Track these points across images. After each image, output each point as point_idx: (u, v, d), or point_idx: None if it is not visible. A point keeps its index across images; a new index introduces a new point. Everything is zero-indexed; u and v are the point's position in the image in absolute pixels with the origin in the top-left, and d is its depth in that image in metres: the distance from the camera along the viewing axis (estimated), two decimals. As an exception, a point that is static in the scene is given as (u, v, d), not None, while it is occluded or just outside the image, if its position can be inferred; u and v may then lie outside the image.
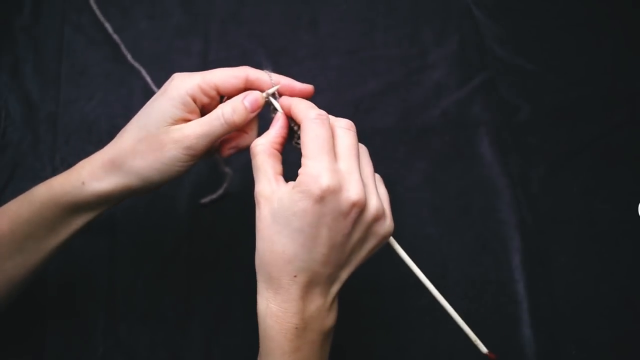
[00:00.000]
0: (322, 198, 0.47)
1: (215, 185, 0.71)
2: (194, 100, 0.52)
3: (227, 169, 0.69)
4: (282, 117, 0.53)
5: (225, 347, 0.66)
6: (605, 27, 0.81)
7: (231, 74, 0.54)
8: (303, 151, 0.49)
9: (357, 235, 0.50)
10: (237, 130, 0.54)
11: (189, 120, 0.52)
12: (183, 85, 0.52)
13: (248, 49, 0.79)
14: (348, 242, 0.49)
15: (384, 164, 0.73)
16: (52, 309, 0.66)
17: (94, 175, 0.53)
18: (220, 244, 0.69)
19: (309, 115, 0.50)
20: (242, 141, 0.56)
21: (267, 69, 0.56)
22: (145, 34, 0.79)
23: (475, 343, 0.56)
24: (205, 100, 0.53)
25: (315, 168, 0.47)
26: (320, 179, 0.47)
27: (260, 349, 0.50)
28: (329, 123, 0.50)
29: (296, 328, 0.48)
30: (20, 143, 0.73)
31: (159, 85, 0.74)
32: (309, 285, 0.48)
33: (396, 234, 0.71)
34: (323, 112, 0.51)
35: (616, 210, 0.71)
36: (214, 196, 0.70)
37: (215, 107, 0.54)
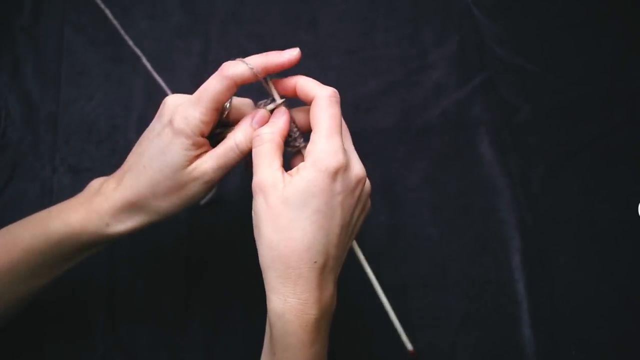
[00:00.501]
0: (336, 175, 0.47)
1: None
2: (202, 135, 0.52)
3: None
4: (288, 114, 0.53)
5: (225, 347, 0.66)
6: (605, 27, 0.81)
7: (221, 89, 0.51)
8: (316, 128, 0.49)
9: (357, 211, 0.51)
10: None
11: (202, 153, 0.52)
12: (188, 126, 0.51)
13: (248, 49, 0.79)
14: (352, 220, 0.50)
15: (384, 164, 0.73)
16: (52, 309, 0.66)
17: (116, 217, 0.53)
18: (220, 244, 0.69)
19: (323, 92, 0.50)
20: None
21: (238, 57, 0.53)
22: (146, 34, 0.79)
23: (403, 340, 0.58)
24: (210, 126, 0.52)
25: (332, 146, 0.48)
26: (336, 157, 0.48)
27: (274, 347, 0.48)
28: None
29: (315, 318, 0.47)
30: (20, 143, 0.73)
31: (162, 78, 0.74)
32: (324, 271, 0.48)
33: (396, 233, 0.71)
34: (335, 90, 0.51)
35: (616, 210, 0.71)
36: (211, 195, 0.69)
37: (217, 120, 0.53)
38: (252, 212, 0.49)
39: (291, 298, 0.47)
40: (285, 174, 0.49)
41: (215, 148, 0.52)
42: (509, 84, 0.78)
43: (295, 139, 0.53)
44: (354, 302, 0.63)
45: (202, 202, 0.70)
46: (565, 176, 0.73)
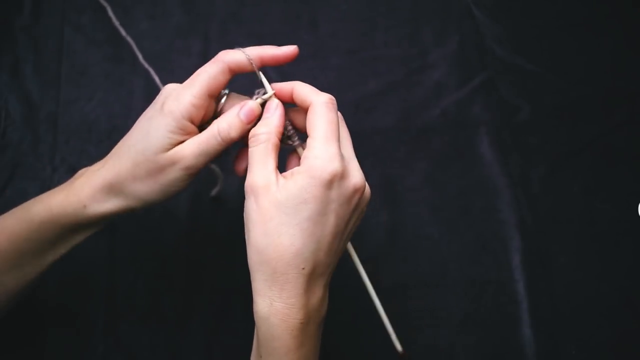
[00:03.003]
0: (331, 183, 0.47)
1: (214, 185, 0.71)
2: (192, 121, 0.51)
3: (214, 167, 0.67)
4: (281, 107, 0.51)
5: (225, 347, 0.66)
6: (605, 27, 0.81)
7: (214, 74, 0.51)
8: (313, 134, 0.48)
9: (353, 220, 0.50)
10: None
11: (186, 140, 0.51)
12: (177, 108, 0.50)
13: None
14: (346, 227, 0.49)
15: (384, 164, 0.73)
16: (52, 308, 0.66)
17: (94, 198, 0.52)
18: (220, 244, 0.69)
19: (320, 98, 0.49)
20: None
21: (238, 47, 0.53)
22: (146, 34, 0.79)
23: (393, 340, 0.58)
24: (202, 113, 0.52)
25: (328, 152, 0.47)
26: (332, 164, 0.47)
27: (260, 350, 0.48)
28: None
29: (301, 323, 0.47)
30: (20, 143, 0.73)
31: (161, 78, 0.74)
32: (312, 277, 0.47)
33: (396, 233, 0.71)
34: (332, 97, 0.50)
35: (616, 210, 0.71)
36: (218, 188, 0.68)
37: (212, 111, 0.53)
38: (244, 212, 0.49)
39: (277, 302, 0.47)
40: (280, 176, 0.48)
41: (198, 135, 0.51)
42: (509, 84, 0.78)
43: (290, 137, 0.52)
44: (349, 303, 0.63)
45: (212, 194, 0.68)
46: (565, 176, 0.73)
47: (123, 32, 0.76)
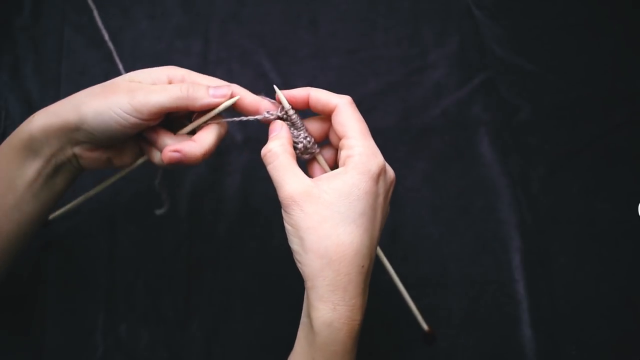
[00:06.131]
0: (379, 177, 0.48)
1: (215, 185, 0.71)
2: (169, 83, 0.52)
3: (160, 184, 0.64)
4: (286, 125, 0.52)
5: (225, 347, 0.66)
6: (605, 27, 0.81)
7: (217, 84, 0.53)
8: (348, 133, 0.49)
9: (387, 212, 0.51)
10: (185, 135, 0.53)
11: None
12: (168, 69, 0.53)
13: (248, 49, 0.79)
14: (384, 220, 0.50)
15: (384, 164, 0.73)
16: (52, 308, 0.66)
17: (47, 110, 0.52)
18: (220, 244, 0.69)
19: (344, 100, 0.51)
20: (187, 149, 0.51)
21: (262, 94, 0.54)
22: (145, 34, 0.79)
23: (419, 320, 0.63)
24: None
25: (370, 148, 0.48)
26: (377, 158, 0.48)
27: (315, 354, 0.47)
28: None
29: (359, 324, 0.47)
30: (20, 143, 0.73)
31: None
32: (367, 274, 0.48)
33: (396, 233, 0.71)
34: (350, 97, 0.51)
35: (616, 210, 0.71)
36: (165, 208, 0.66)
37: (185, 115, 0.54)
38: (286, 225, 0.48)
39: (341, 305, 0.46)
40: (315, 179, 0.48)
41: None
42: (509, 84, 0.78)
43: (312, 146, 0.53)
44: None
45: (158, 212, 0.67)
46: (565, 176, 0.73)
47: (106, 36, 0.75)
